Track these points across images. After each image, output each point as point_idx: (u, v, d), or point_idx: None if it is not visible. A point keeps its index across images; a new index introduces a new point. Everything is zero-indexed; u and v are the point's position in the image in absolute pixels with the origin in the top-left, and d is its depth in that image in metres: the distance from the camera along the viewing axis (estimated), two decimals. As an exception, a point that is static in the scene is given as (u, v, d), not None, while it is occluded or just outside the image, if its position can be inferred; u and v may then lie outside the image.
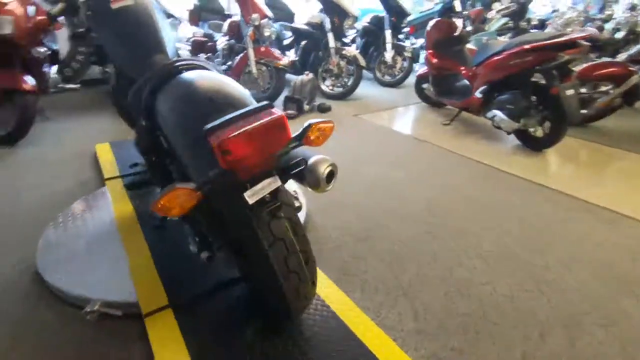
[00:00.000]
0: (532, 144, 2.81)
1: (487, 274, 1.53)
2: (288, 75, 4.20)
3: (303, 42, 4.48)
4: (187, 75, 1.03)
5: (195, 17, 4.66)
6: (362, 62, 4.04)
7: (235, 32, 3.99)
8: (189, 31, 4.60)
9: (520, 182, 2.34)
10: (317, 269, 1.47)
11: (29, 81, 2.75)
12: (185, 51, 4.59)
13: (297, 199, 1.17)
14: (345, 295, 1.35)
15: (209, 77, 0.98)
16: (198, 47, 4.44)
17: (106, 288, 1.34)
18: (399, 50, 4.65)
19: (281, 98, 3.83)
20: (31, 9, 2.79)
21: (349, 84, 4.20)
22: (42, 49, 2.99)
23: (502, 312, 1.35)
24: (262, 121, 0.71)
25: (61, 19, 3.05)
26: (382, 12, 4.69)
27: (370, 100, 4.28)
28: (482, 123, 3.35)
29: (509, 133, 2.86)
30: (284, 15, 5.21)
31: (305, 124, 0.86)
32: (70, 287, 1.36)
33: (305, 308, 1.07)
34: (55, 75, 3.32)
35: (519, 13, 4.81)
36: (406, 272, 1.54)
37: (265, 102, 0.77)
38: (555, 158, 2.73)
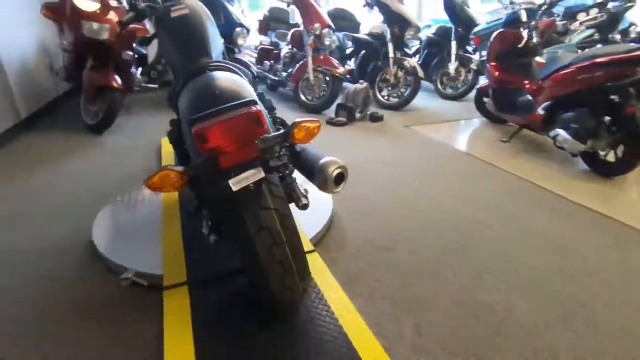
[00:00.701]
0: (602, 169, 2.50)
1: (510, 301, 1.42)
2: (346, 84, 4.29)
3: (362, 52, 4.53)
4: (206, 74, 1.15)
5: (264, 26, 4.99)
6: (421, 73, 3.96)
7: (298, 41, 4.18)
8: (257, 40, 4.93)
9: (580, 210, 2.10)
10: (329, 272, 1.50)
11: (118, 80, 3.20)
12: (252, 58, 4.94)
13: (305, 197, 1.21)
14: (349, 299, 1.36)
15: (222, 77, 1.08)
16: (264, 54, 4.74)
17: (141, 260, 1.52)
18: (463, 61, 4.46)
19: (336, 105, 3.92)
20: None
21: (405, 94, 4.15)
22: (130, 53, 3.47)
23: (516, 342, 1.24)
24: (237, 114, 0.78)
25: (149, 26, 3.51)
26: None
27: (426, 112, 4.17)
28: (547, 143, 3.07)
29: (574, 155, 2.58)
30: (350, 25, 5.32)
31: (292, 123, 0.91)
32: (114, 255, 1.57)
33: (292, 302, 1.11)
34: (140, 77, 3.82)
35: (608, 24, 4.33)
36: (420, 287, 1.49)
37: (248, 99, 0.83)
38: (629, 187, 2.40)
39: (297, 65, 4.06)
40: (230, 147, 0.76)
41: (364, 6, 4.19)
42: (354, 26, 5.34)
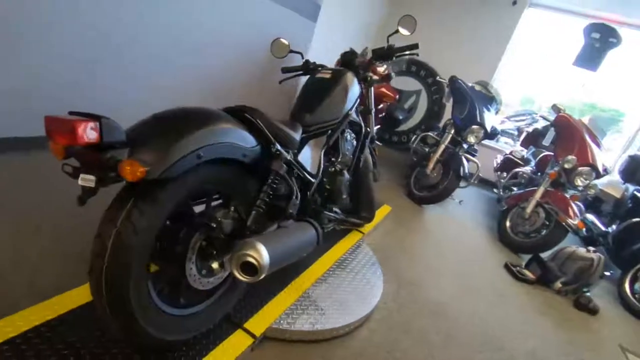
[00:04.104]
0: None
1: None
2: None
3: (637, 219, 3.07)
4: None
5: (529, 140, 4.34)
6: None
7: (542, 166, 3.39)
8: (511, 149, 4.36)
9: None
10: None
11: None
12: (494, 163, 4.44)
13: (221, 265, 1.05)
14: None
15: (194, 109, 1.04)
16: (505, 164, 4.16)
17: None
18: None
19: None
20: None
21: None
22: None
23: None
24: (66, 118, 0.80)
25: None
26: None
27: None
28: None
29: None
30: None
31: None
32: None
33: (106, 326, 0.99)
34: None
35: None
36: None
37: (96, 115, 0.81)
38: None
39: (525, 189, 3.30)
40: (60, 141, 0.81)
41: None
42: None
